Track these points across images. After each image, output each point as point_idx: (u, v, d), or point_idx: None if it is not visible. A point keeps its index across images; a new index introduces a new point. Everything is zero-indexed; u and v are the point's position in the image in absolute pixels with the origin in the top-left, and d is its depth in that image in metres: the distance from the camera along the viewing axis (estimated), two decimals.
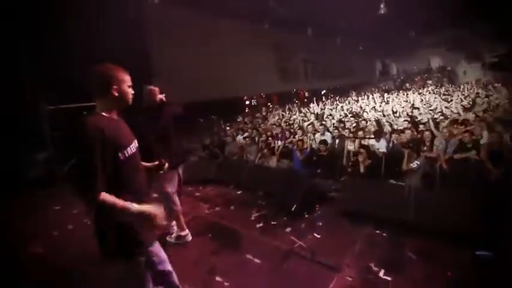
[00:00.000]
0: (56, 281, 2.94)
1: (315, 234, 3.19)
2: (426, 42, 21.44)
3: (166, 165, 1.96)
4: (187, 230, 3.31)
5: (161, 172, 1.97)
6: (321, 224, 3.42)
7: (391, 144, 5.52)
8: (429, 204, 3.20)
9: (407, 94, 12.68)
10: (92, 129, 1.38)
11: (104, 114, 1.50)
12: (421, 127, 5.94)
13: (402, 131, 5.40)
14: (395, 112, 8.07)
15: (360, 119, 7.41)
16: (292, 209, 3.65)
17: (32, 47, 6.07)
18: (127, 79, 1.55)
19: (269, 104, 18.22)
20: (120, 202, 1.39)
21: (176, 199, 3.13)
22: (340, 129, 6.83)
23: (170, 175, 3.01)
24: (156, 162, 1.94)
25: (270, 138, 7.47)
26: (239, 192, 5.01)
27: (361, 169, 4.71)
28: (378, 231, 3.12)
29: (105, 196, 1.36)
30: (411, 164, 4.29)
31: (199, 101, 11.28)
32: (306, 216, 3.64)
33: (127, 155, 1.50)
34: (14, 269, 3.26)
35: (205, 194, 5.21)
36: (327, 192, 4.15)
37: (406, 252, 2.76)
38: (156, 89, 3.06)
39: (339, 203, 3.79)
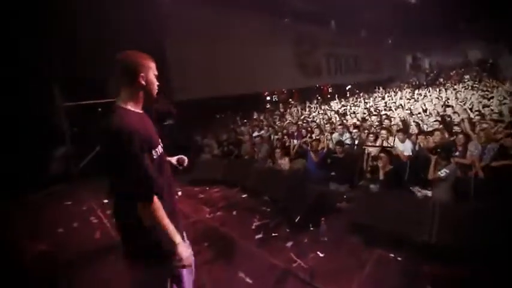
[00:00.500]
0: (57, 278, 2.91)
1: (318, 253, 2.80)
2: (464, 33, 19.51)
3: (186, 162, 1.77)
4: None
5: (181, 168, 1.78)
6: (326, 239, 3.01)
7: (417, 147, 4.93)
8: (459, 223, 2.65)
9: (439, 90, 11.59)
10: (129, 129, 1.25)
11: (129, 108, 1.36)
12: (456, 128, 5.23)
13: (430, 133, 4.76)
14: (425, 110, 7.28)
15: (384, 118, 6.78)
16: (296, 220, 3.28)
17: (46, 47, 6.15)
18: (153, 66, 1.42)
19: (290, 99, 17.70)
20: (167, 220, 1.32)
21: None
22: (361, 129, 6.28)
23: None
24: (175, 159, 1.74)
25: (285, 137, 7.11)
26: (244, 196, 4.72)
27: (381, 175, 4.20)
28: (392, 255, 2.65)
29: (156, 204, 1.29)
30: (439, 172, 3.71)
31: (218, 97, 11.13)
32: (311, 228, 3.25)
33: (158, 153, 1.40)
34: (17, 265, 3.27)
35: (209, 196, 4.98)
36: (337, 201, 3.70)
37: (425, 283, 2.27)
38: None
39: (349, 215, 3.33)
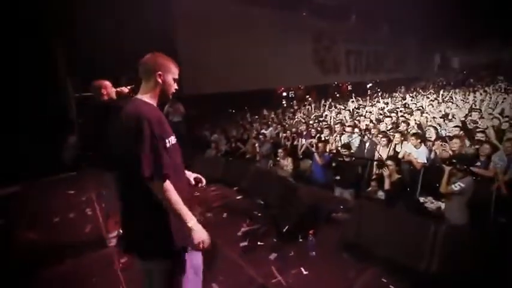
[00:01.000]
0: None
1: (302, 269, 2.52)
2: (499, 28, 17.72)
3: (204, 182, 1.79)
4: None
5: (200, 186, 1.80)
6: (314, 254, 2.72)
7: (432, 155, 4.47)
8: (469, 250, 2.23)
9: (468, 92, 10.70)
10: (143, 115, 1.34)
11: (145, 100, 1.45)
12: (479, 136, 4.69)
13: (446, 140, 4.29)
14: (447, 115, 6.66)
15: (401, 120, 6.27)
16: (284, 230, 3.01)
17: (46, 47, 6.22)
18: (174, 71, 1.52)
19: (308, 96, 17.22)
20: (180, 202, 1.35)
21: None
22: (372, 131, 5.85)
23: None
24: (192, 176, 1.75)
25: (294, 135, 6.83)
26: (239, 197, 4.48)
27: (386, 185, 3.82)
28: (384, 280, 2.32)
29: (169, 186, 1.33)
30: (452, 185, 3.27)
31: (232, 92, 10.97)
32: (300, 240, 2.96)
33: (169, 145, 1.43)
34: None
35: (205, 194, 4.77)
36: (334, 212, 3.38)
37: None
38: (105, 83, 2.65)
39: (343, 229, 2.99)
